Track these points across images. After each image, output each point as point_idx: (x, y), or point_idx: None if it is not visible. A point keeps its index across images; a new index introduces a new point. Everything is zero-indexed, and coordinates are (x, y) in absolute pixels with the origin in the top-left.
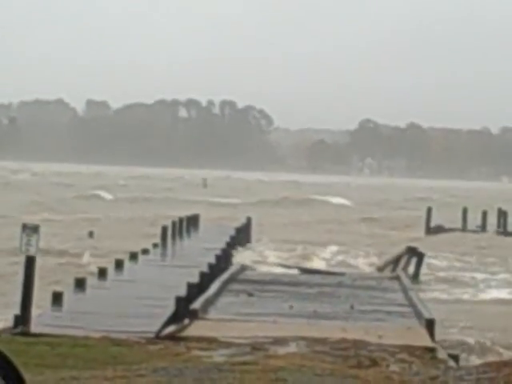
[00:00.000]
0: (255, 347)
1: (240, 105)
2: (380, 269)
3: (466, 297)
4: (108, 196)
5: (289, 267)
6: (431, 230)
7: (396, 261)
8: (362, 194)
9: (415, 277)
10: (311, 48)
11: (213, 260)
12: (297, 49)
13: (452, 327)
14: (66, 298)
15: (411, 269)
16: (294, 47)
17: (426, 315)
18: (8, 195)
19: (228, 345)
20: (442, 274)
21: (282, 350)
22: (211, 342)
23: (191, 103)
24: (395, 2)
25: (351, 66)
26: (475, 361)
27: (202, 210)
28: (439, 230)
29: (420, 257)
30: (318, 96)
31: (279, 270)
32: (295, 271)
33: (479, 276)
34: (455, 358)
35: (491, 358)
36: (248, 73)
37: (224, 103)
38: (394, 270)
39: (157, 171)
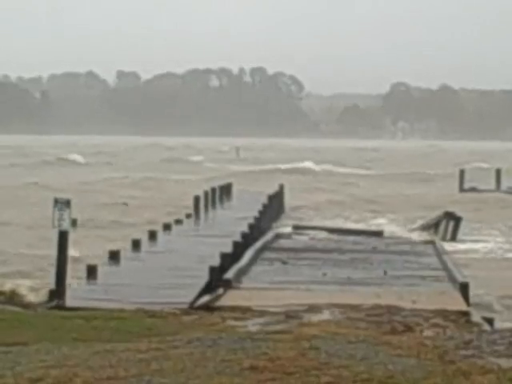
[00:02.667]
0: (289, 315)
1: (270, 71)
2: (421, 229)
3: None
4: None
5: (324, 228)
6: (465, 192)
7: (435, 225)
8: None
9: (453, 240)
10: (341, 12)
11: (246, 229)
12: (326, 12)
13: None
14: (100, 271)
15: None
16: (322, 11)
17: (460, 279)
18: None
19: (262, 314)
20: None
21: (315, 318)
22: (245, 312)
23: (223, 72)
24: None
25: (380, 29)
26: (510, 324)
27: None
28: (473, 191)
29: (457, 221)
30: (349, 60)
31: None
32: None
33: None
34: (490, 321)
35: None
36: (278, 38)
37: (254, 70)
38: (434, 233)
39: (194, 140)
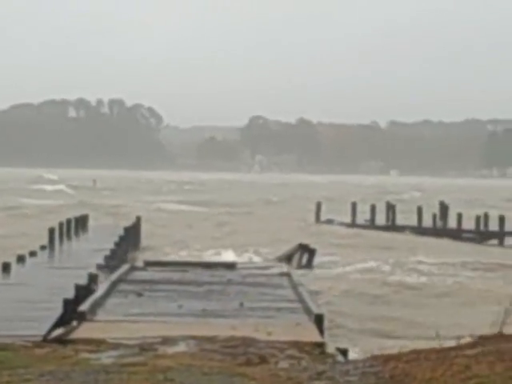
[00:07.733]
0: (144, 348)
1: (128, 103)
2: (276, 262)
3: None
4: None
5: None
6: (321, 223)
7: (289, 257)
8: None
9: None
10: (202, 47)
11: (101, 261)
12: (188, 46)
13: None
14: None
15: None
16: (184, 45)
17: (315, 311)
18: None
19: (116, 346)
20: None
21: (170, 350)
22: (99, 344)
23: (80, 103)
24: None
25: (239, 64)
26: (363, 354)
27: None
28: (329, 224)
29: (311, 253)
30: (207, 94)
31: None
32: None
33: None
34: (344, 352)
35: (378, 352)
36: (136, 72)
37: (112, 102)
38: (288, 265)
39: (52, 171)
